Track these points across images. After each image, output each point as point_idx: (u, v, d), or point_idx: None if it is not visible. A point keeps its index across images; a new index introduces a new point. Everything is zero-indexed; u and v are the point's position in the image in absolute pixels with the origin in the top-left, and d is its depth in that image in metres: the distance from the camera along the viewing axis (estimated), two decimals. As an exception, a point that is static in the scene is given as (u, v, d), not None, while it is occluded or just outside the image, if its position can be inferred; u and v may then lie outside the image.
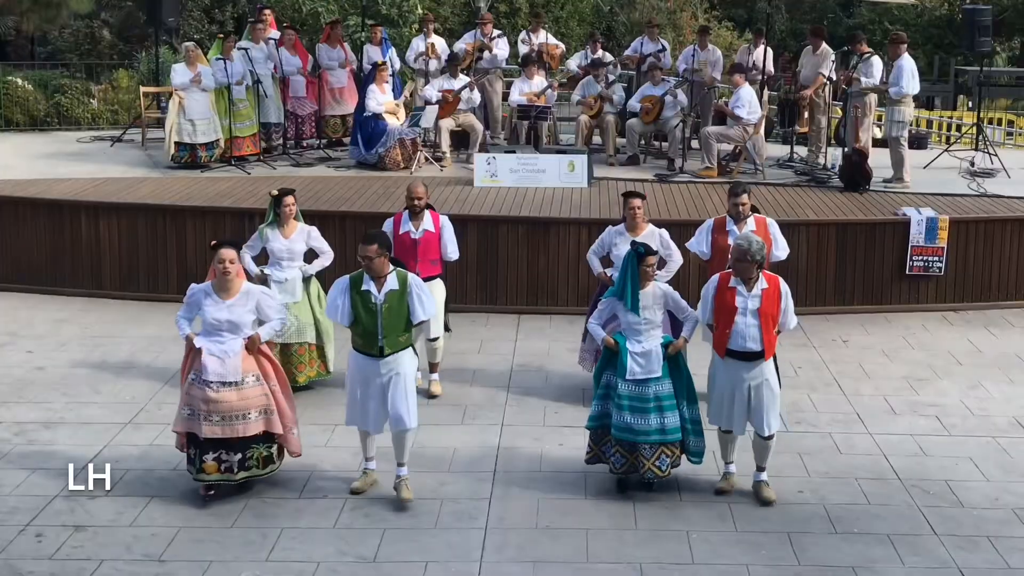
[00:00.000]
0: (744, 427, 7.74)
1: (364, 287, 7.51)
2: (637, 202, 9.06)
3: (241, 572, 6.80)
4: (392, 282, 7.53)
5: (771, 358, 7.68)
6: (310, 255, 9.59)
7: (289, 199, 9.30)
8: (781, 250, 9.25)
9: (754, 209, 9.26)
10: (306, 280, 9.55)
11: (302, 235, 9.43)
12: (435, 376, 9.68)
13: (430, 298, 7.76)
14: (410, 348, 7.69)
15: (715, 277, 7.75)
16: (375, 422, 7.67)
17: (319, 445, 8.56)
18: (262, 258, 9.47)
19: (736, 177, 13.85)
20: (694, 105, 15.27)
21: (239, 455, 7.57)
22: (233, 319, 7.55)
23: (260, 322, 7.70)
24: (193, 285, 7.70)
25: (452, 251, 9.45)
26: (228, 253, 7.51)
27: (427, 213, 9.36)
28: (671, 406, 7.72)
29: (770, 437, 7.71)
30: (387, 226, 9.21)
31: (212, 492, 7.64)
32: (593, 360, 9.17)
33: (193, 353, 7.60)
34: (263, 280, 9.15)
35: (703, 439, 7.83)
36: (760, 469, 7.83)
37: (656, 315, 7.79)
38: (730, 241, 8.66)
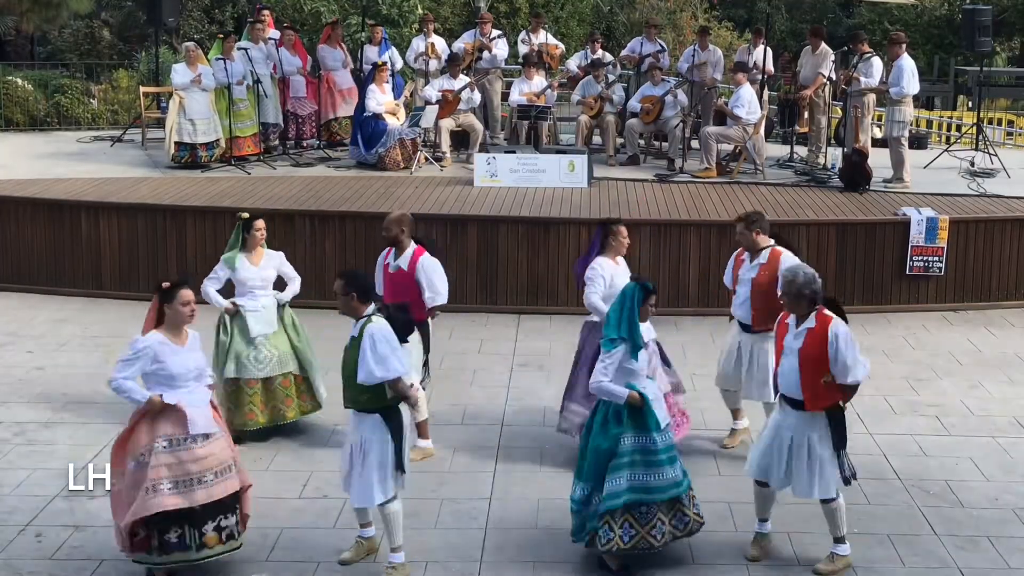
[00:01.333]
0: (780, 482, 6.88)
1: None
2: (625, 230, 8.10)
3: (251, 573, 6.80)
4: (356, 328, 6.60)
5: (823, 412, 6.65)
6: (278, 283, 8.78)
7: (260, 223, 8.52)
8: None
9: (777, 239, 8.24)
10: (280, 308, 8.74)
11: (272, 261, 8.60)
12: (421, 443, 8.32)
13: (384, 359, 6.44)
14: (377, 414, 6.56)
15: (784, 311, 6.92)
16: (345, 481, 6.81)
17: (319, 445, 8.56)
18: (227, 290, 8.61)
19: (736, 177, 13.85)
20: (694, 105, 15.28)
21: (234, 516, 6.63)
22: (199, 365, 6.60)
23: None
24: (139, 339, 6.48)
25: (430, 295, 8.21)
26: (189, 294, 6.51)
27: (411, 248, 8.29)
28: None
29: (825, 501, 6.77)
30: (380, 257, 8.53)
31: None
32: (579, 425, 7.86)
33: (154, 417, 6.42)
34: (235, 312, 8.52)
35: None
36: (837, 540, 6.87)
37: (655, 356, 7.43)
38: (739, 272, 8.26)
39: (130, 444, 6.47)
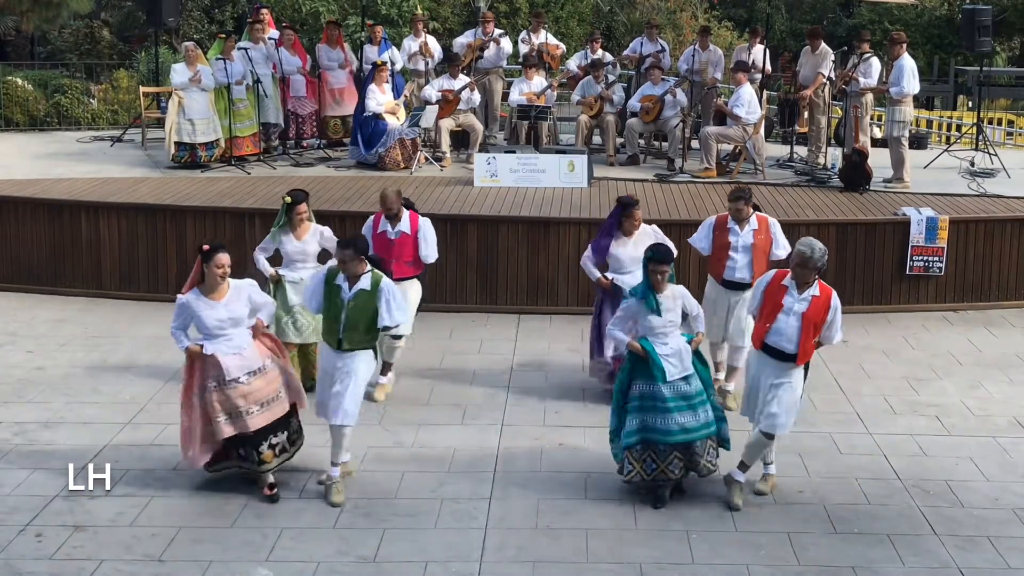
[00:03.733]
0: (757, 420, 7.69)
1: (337, 282, 7.78)
2: (639, 212, 9.15)
3: (254, 570, 6.81)
4: (365, 282, 7.72)
5: (802, 366, 7.63)
6: (324, 255, 9.47)
7: (302, 207, 9.17)
8: (781, 249, 9.26)
9: (756, 208, 9.33)
10: None
11: (315, 236, 9.31)
12: (383, 379, 9.52)
13: (401, 307, 7.84)
14: (370, 351, 7.82)
15: (771, 272, 7.78)
16: (321, 408, 7.88)
17: (319, 445, 8.55)
18: (276, 259, 9.39)
19: (736, 177, 13.86)
20: (694, 105, 15.28)
21: (284, 433, 7.80)
22: (234, 316, 7.60)
23: (253, 311, 7.78)
24: (180, 296, 7.64)
25: (428, 253, 9.44)
26: (225, 258, 7.56)
27: (406, 214, 9.39)
28: (706, 399, 7.72)
29: (770, 437, 7.66)
30: (367, 225, 9.37)
31: (275, 490, 7.70)
32: (608, 374, 9.23)
33: (200, 363, 7.60)
34: (277, 281, 9.21)
35: (727, 425, 7.87)
36: (742, 466, 7.74)
37: (677, 316, 7.78)
38: (730, 239, 9.17)
39: (189, 387, 7.65)
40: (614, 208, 9.26)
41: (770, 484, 7.85)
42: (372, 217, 9.50)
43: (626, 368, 7.75)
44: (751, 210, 9.22)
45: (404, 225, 9.34)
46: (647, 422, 7.57)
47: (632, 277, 8.85)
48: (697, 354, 7.83)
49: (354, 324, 7.69)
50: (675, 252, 8.23)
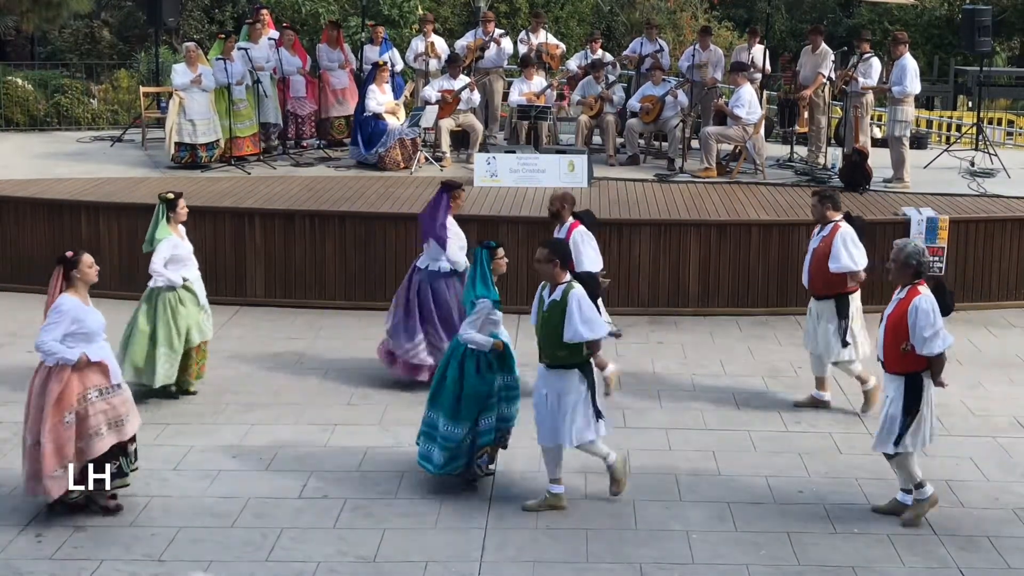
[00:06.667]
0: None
1: (543, 291, 7.57)
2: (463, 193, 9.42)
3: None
4: (558, 293, 7.39)
5: (904, 377, 7.30)
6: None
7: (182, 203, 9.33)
8: (832, 260, 8.99)
9: (848, 216, 9.17)
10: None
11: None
12: (610, 369, 9.00)
13: (590, 321, 7.29)
14: (576, 370, 7.43)
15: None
16: (539, 431, 7.66)
17: (319, 445, 8.56)
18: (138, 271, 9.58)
19: (736, 177, 13.86)
20: (694, 105, 15.28)
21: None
22: (103, 322, 7.39)
23: None
24: (59, 303, 7.15)
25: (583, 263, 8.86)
26: (91, 257, 7.34)
27: (568, 222, 9.23)
28: None
29: (890, 456, 7.44)
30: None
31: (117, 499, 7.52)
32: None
33: (80, 372, 7.21)
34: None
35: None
36: (903, 490, 7.53)
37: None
38: (810, 244, 9.25)
39: (64, 401, 7.17)
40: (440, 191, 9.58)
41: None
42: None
43: (486, 369, 7.71)
44: (835, 215, 9.07)
45: (562, 232, 9.19)
46: (502, 413, 7.82)
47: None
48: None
49: (549, 338, 7.49)
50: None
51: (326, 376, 10.08)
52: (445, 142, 14.70)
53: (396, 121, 14.33)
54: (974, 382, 10.02)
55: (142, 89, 16.56)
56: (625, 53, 16.67)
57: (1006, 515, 7.60)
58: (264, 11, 15.96)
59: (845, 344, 9.03)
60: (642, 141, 15.13)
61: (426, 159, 14.44)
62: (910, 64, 13.29)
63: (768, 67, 15.64)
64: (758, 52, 15.43)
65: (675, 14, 28.17)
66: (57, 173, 13.86)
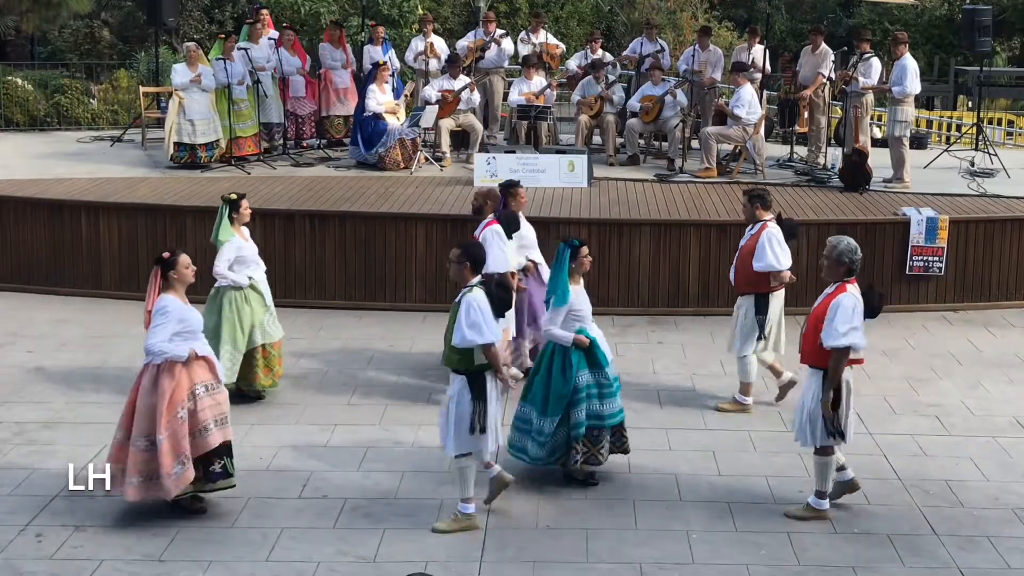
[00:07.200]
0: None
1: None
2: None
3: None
4: (460, 295, 7.25)
5: (819, 370, 7.30)
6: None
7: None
8: (757, 259, 9.13)
9: (779, 218, 9.34)
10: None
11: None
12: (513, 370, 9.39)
13: (476, 325, 7.02)
14: (464, 377, 7.18)
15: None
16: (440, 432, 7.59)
17: (319, 445, 8.56)
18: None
19: (736, 177, 13.86)
20: (694, 105, 15.27)
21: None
22: (201, 319, 7.53)
23: None
24: (163, 304, 7.19)
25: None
26: (187, 257, 7.39)
27: (488, 218, 9.39)
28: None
29: (816, 451, 7.49)
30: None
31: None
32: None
33: (188, 369, 7.25)
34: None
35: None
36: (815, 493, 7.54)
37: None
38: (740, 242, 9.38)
39: (176, 397, 7.18)
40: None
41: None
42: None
43: (568, 367, 7.75)
44: (764, 214, 9.24)
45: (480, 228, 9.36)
46: (593, 409, 7.80)
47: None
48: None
49: (447, 338, 7.42)
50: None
51: (326, 376, 10.08)
52: (445, 142, 14.70)
53: (396, 121, 14.33)
54: (974, 382, 10.03)
55: (142, 89, 16.57)
56: (625, 53, 16.66)
57: (1006, 515, 7.60)
58: (264, 11, 15.97)
59: (760, 339, 9.16)
60: (642, 141, 15.13)
61: (426, 159, 14.44)
62: (910, 64, 13.28)
63: (768, 67, 15.63)
64: (758, 52, 15.43)
65: (675, 14, 28.17)
66: (57, 173, 13.87)
